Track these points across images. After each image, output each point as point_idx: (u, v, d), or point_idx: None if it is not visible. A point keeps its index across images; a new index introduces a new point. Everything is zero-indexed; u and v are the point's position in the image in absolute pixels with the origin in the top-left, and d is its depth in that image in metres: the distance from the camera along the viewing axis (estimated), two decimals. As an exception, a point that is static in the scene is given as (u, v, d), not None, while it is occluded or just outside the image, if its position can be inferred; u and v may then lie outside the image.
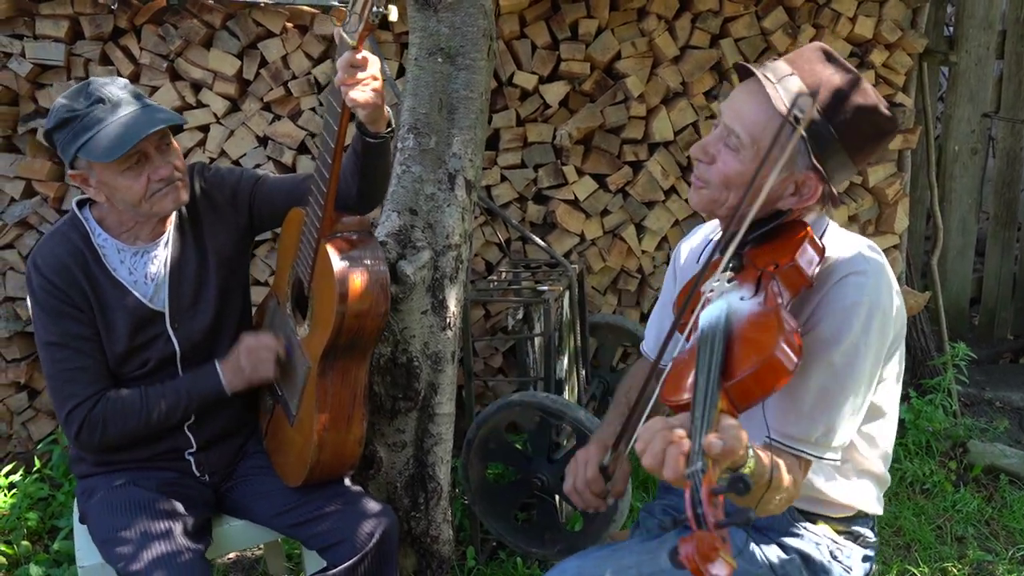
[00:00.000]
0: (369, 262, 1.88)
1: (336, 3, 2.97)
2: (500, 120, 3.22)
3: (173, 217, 2.02)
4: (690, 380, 1.26)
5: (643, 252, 3.37)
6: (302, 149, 3.19)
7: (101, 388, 1.95)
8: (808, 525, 1.63)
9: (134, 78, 3.12)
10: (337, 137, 1.76)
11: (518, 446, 2.74)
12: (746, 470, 1.23)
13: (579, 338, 3.06)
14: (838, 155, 1.44)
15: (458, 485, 2.91)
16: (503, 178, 3.28)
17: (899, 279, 3.56)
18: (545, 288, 2.80)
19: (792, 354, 1.25)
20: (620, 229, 3.35)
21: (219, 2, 3.02)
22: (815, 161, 1.42)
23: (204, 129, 3.18)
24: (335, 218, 1.90)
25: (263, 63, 3.12)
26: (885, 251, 3.50)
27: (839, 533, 1.64)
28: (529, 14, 3.16)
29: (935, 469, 3.35)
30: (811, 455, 1.44)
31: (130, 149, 1.79)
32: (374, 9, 1.60)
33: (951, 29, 4.14)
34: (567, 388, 2.95)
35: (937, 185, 3.92)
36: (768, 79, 1.43)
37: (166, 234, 2.01)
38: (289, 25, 3.11)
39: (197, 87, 3.15)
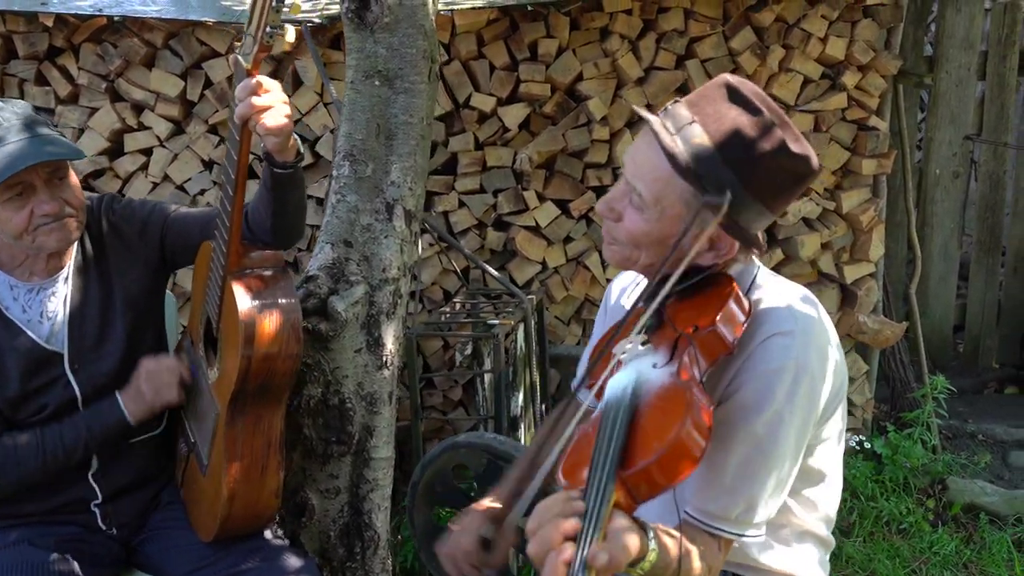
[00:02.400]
0: (279, 301, 1.76)
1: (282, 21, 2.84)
2: (457, 143, 3.10)
3: (74, 251, 1.89)
4: (588, 458, 1.12)
5: (607, 280, 3.24)
6: (251, 174, 3.05)
7: None
8: None
9: (72, 99, 3.00)
10: (238, 167, 1.65)
11: (476, 485, 2.60)
12: (646, 563, 1.10)
13: (536, 372, 2.92)
14: (751, 207, 1.29)
15: (404, 530, 2.76)
16: (461, 204, 3.15)
17: (875, 308, 3.42)
18: (495, 322, 2.66)
19: (700, 438, 1.11)
20: (584, 257, 3.22)
21: (161, 20, 2.90)
22: (724, 218, 1.28)
23: (147, 153, 3.05)
24: (242, 253, 1.78)
25: (208, 84, 3.00)
26: (860, 280, 3.38)
27: (777, 603, 1.51)
28: (487, 33, 3.04)
29: (912, 508, 3.21)
30: (731, 534, 1.30)
31: (9, 181, 1.67)
32: (268, 30, 1.49)
33: (932, 48, 4.03)
34: (523, 426, 2.81)
35: (917, 210, 3.79)
36: (667, 129, 1.29)
37: (65, 269, 1.88)
38: (236, 44, 2.98)
39: (139, 108, 3.03)
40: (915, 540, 3.07)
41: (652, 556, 1.11)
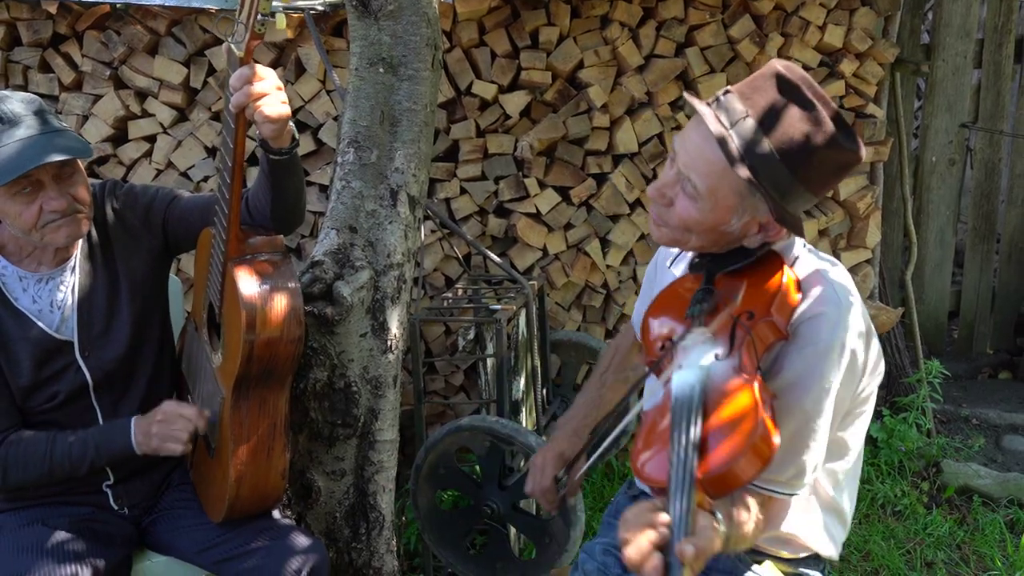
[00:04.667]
0: (280, 286, 1.78)
1: (281, 9, 2.86)
2: (459, 131, 3.11)
3: (81, 240, 1.91)
4: (665, 459, 1.18)
5: (608, 267, 3.27)
6: (252, 160, 3.08)
7: (6, 427, 1.84)
8: (754, 566, 1.54)
9: (76, 86, 3.01)
10: (234, 155, 1.67)
11: (478, 467, 2.63)
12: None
13: (537, 357, 2.95)
14: (801, 196, 1.36)
15: (408, 512, 2.80)
16: (463, 191, 3.17)
17: (871, 295, 3.46)
18: (497, 308, 2.69)
19: (774, 438, 1.19)
20: (584, 243, 3.25)
21: (165, 7, 2.91)
22: (777, 207, 1.34)
23: (151, 139, 3.07)
24: (242, 238, 1.80)
25: (211, 71, 3.01)
26: (857, 266, 3.41)
27: (785, 574, 1.56)
28: (488, 21, 3.06)
29: (907, 490, 3.25)
30: (782, 493, 1.40)
31: (17, 177, 1.68)
32: (259, 17, 1.50)
33: (929, 36, 4.05)
34: (524, 410, 2.85)
35: (913, 197, 3.82)
36: (721, 123, 1.33)
37: (72, 259, 1.90)
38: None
39: (142, 96, 3.04)
40: (910, 522, 3.12)
41: (722, 528, 1.20)
